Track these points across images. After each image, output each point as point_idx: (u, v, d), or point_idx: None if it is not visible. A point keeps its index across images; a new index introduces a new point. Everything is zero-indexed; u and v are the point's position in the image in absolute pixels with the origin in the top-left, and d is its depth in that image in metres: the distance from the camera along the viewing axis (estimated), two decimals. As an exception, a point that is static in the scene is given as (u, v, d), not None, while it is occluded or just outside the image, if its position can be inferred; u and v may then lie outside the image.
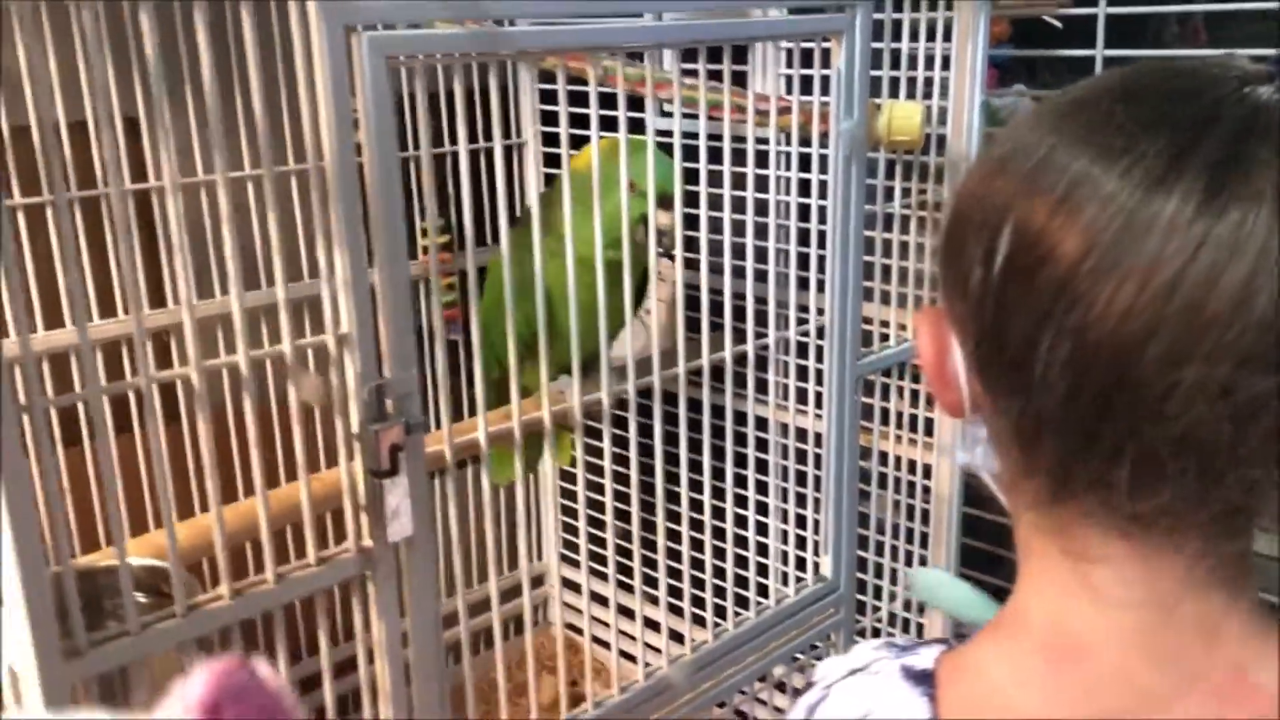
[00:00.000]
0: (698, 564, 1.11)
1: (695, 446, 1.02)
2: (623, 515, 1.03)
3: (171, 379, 0.65)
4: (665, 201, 1.07)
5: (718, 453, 1.04)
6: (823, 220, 1.03)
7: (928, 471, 1.23)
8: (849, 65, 0.95)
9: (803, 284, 1.05)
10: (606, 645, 1.52)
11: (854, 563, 1.11)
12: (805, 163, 1.10)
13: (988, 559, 1.41)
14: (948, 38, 1.11)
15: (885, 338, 1.12)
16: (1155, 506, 0.44)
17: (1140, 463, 0.43)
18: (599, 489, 1.18)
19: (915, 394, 1.20)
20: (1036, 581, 0.50)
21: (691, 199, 1.27)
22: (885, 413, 1.23)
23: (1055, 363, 0.43)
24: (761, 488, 1.34)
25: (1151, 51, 1.20)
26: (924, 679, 0.52)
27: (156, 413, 0.63)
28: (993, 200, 0.45)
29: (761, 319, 1.12)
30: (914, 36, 1.10)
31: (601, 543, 1.16)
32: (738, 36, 0.95)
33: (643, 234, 1.10)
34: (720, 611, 1.02)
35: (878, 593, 1.27)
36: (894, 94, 1.13)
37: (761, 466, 1.34)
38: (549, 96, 1.54)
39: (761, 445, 1.31)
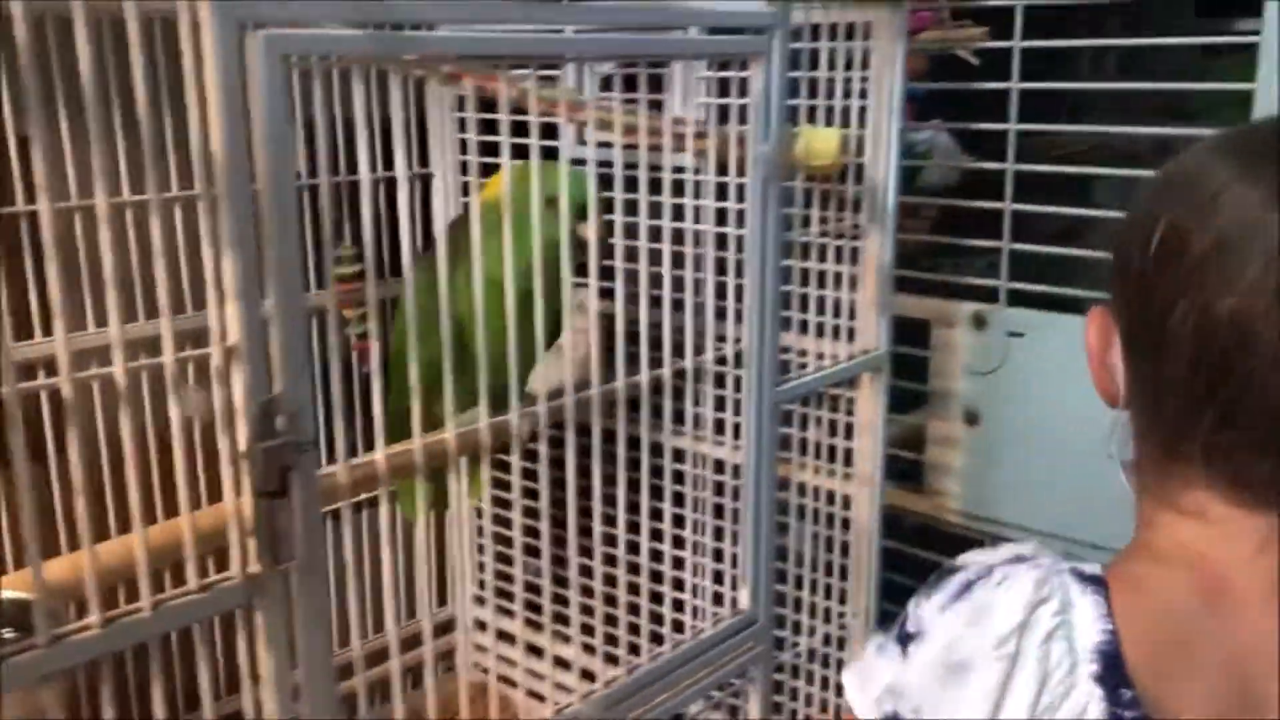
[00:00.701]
0: (613, 600, 1.08)
1: (613, 479, 1.00)
2: (538, 552, 1.00)
3: (38, 389, 0.61)
4: (584, 216, 1.05)
5: (637, 485, 1.02)
6: (741, 248, 1.03)
7: (847, 503, 1.22)
8: (766, 89, 0.94)
9: (721, 313, 1.03)
10: (524, 687, 1.48)
11: (772, 596, 1.08)
12: (723, 190, 1.09)
13: (908, 592, 1.40)
14: (866, 67, 1.11)
15: (803, 366, 1.11)
16: (1259, 473, 0.54)
17: (1246, 429, 0.53)
18: (519, 524, 1.14)
19: (833, 424, 1.19)
20: (1168, 530, 0.59)
21: (611, 227, 1.25)
22: (804, 443, 1.21)
23: (1185, 332, 0.54)
24: (680, 520, 1.31)
25: (1063, 85, 1.22)
26: (1095, 581, 0.58)
27: (19, 427, 0.58)
28: (1155, 204, 0.57)
29: (681, 349, 1.10)
30: (833, 65, 1.10)
31: (514, 580, 1.13)
32: (653, 52, 0.94)
33: (572, 245, 1.08)
34: (636, 649, 0.99)
35: (797, 627, 1.25)
36: (813, 122, 1.13)
37: (681, 499, 1.32)
38: (470, 126, 1.51)
39: (680, 477, 1.29)
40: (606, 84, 1.38)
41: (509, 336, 0.92)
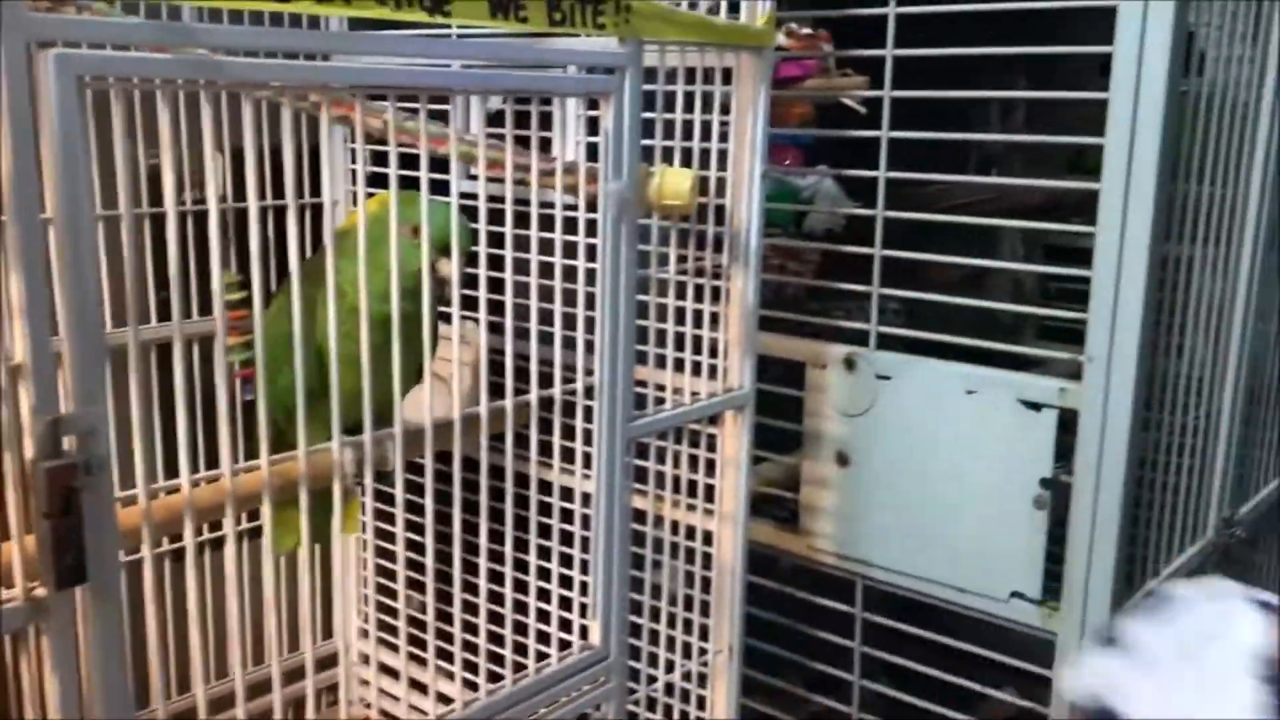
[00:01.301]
0: (476, 630, 1.08)
1: (478, 510, 1.00)
2: (421, 585, 1.00)
3: None
4: (448, 250, 1.06)
5: (502, 516, 1.03)
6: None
7: (709, 538, 1.22)
8: (617, 127, 0.95)
9: (590, 346, 1.04)
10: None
11: (625, 630, 1.08)
12: (593, 227, 1.10)
13: (768, 626, 1.41)
14: (727, 111, 1.13)
15: (661, 402, 1.12)
16: None
17: None
18: (389, 556, 1.13)
19: (694, 459, 1.20)
20: None
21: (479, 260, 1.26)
22: (674, 480, 1.22)
23: None
24: (546, 553, 1.31)
25: (931, 134, 1.25)
26: (1267, 606, 0.72)
27: None
28: None
29: (546, 380, 1.10)
30: (702, 108, 1.12)
31: (392, 613, 1.11)
32: (508, 88, 0.95)
33: (433, 280, 1.09)
34: (495, 679, 0.98)
35: (662, 663, 1.25)
36: (687, 163, 1.15)
37: (545, 531, 1.31)
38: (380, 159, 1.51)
39: (548, 509, 1.29)
40: (496, 119, 1.39)
41: (378, 363, 0.93)
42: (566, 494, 1.26)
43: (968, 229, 1.30)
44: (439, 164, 0.98)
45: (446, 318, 1.36)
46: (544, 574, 1.30)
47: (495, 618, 1.04)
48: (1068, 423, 1.16)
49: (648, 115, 1.03)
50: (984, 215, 1.50)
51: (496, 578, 1.10)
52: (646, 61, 1.06)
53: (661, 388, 1.17)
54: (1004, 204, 1.68)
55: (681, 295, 1.15)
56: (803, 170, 1.47)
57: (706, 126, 1.13)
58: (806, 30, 1.42)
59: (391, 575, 1.57)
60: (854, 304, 1.46)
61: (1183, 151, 1.16)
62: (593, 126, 1.18)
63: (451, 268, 1.07)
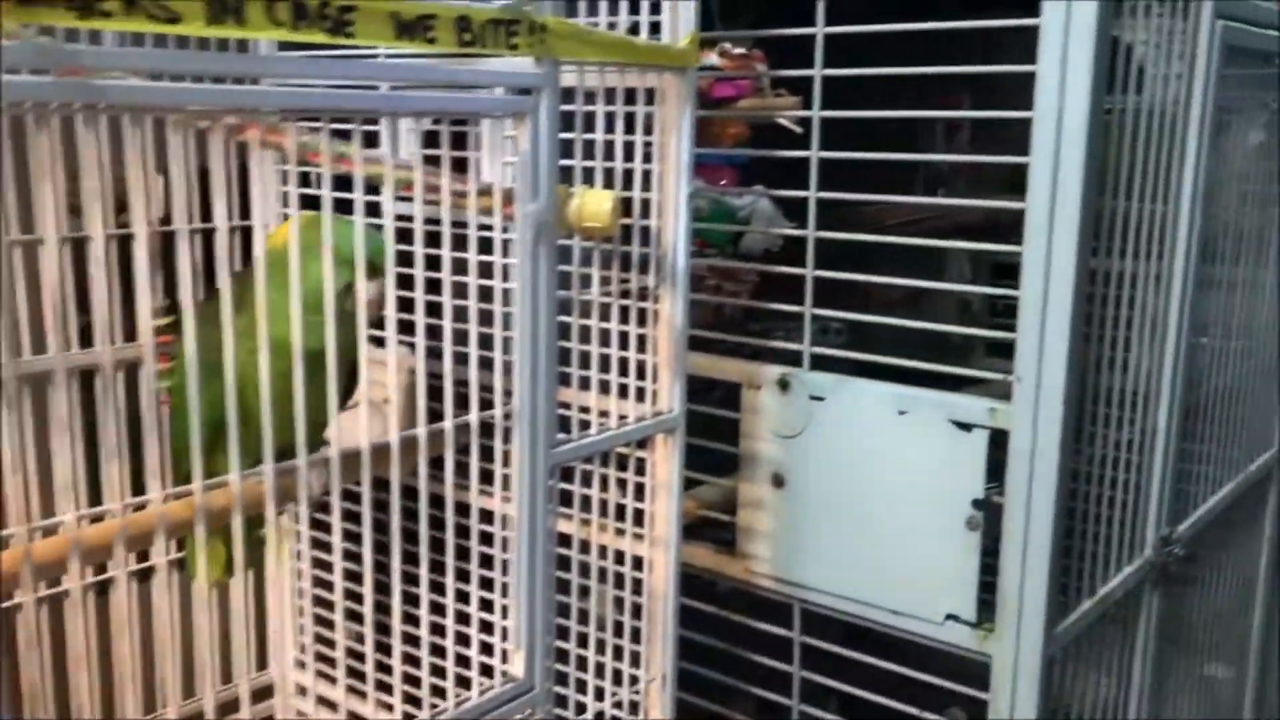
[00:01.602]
0: (417, 661, 1.05)
1: (415, 537, 0.99)
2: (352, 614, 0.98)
3: None
4: (374, 272, 1.04)
5: (434, 544, 1.01)
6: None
7: (641, 563, 1.20)
8: (533, 148, 0.94)
9: (502, 367, 1.02)
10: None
11: (551, 659, 1.06)
12: (506, 246, 1.09)
13: (707, 652, 1.39)
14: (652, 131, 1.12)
15: (586, 425, 1.10)
16: None
17: None
18: (326, 585, 1.10)
19: (623, 483, 1.18)
20: None
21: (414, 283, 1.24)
22: (604, 505, 1.20)
23: None
24: (475, 581, 1.29)
25: (861, 155, 1.24)
26: None
27: None
28: None
29: (483, 404, 1.09)
30: (628, 129, 1.11)
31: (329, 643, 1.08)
32: (402, 110, 0.94)
33: (351, 304, 1.07)
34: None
35: (597, 692, 1.22)
36: (611, 184, 1.13)
37: (480, 559, 1.29)
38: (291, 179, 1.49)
39: (489, 538, 1.27)
40: (432, 140, 1.37)
41: (297, 392, 0.91)
42: (493, 519, 1.24)
43: (915, 248, 1.30)
44: (375, 186, 0.97)
45: (380, 342, 1.34)
46: (479, 603, 1.28)
47: (433, 648, 1.02)
48: (1002, 443, 1.16)
49: (567, 136, 1.02)
50: (927, 234, 1.50)
51: (433, 608, 1.08)
52: (571, 82, 1.06)
53: (586, 409, 1.15)
54: (948, 222, 1.69)
55: (609, 317, 1.14)
56: (739, 190, 1.46)
57: (632, 147, 1.12)
58: (740, 50, 1.42)
59: (327, 604, 1.54)
60: (795, 324, 1.45)
61: (1111, 167, 1.16)
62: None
63: (372, 290, 1.05)
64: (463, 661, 1.13)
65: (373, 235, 1.05)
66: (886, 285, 1.29)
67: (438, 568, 1.03)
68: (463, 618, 1.16)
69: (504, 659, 1.06)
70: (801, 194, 1.27)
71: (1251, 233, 1.64)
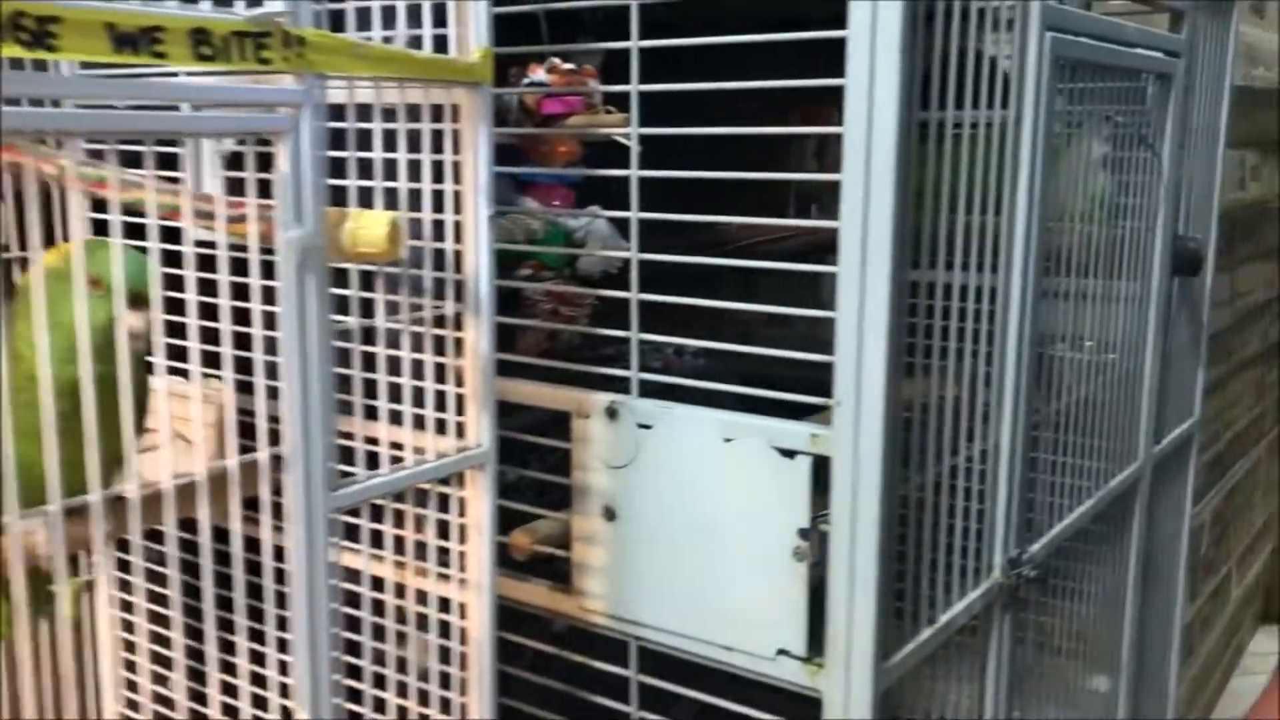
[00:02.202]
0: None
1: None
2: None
3: None
4: (139, 301, 0.96)
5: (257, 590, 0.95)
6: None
7: (455, 607, 1.14)
8: (295, 169, 0.87)
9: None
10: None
11: (340, 708, 0.99)
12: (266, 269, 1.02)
13: (543, 692, 1.33)
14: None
15: (396, 460, 1.03)
16: None
17: None
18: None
19: (441, 523, 1.11)
20: None
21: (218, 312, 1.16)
22: (415, 545, 1.13)
23: None
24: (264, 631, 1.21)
25: (679, 173, 1.19)
26: None
27: None
28: None
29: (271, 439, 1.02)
30: (411, 147, 1.05)
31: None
32: (164, 130, 0.87)
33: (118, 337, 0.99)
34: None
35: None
36: (413, 205, 1.07)
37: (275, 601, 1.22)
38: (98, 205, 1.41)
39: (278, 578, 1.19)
40: (234, 162, 1.30)
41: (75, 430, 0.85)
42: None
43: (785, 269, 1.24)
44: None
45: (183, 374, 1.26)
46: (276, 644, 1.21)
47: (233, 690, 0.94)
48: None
49: (368, 155, 0.96)
50: (794, 253, 1.46)
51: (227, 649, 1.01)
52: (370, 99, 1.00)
53: (405, 446, 1.09)
54: (812, 241, 1.66)
55: (416, 347, 1.07)
56: (573, 211, 1.41)
57: (438, 167, 1.05)
58: (569, 66, 1.37)
59: (151, 653, 1.46)
60: (645, 349, 1.40)
61: (933, 180, 1.13)
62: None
63: (137, 320, 0.98)
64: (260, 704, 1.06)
65: (137, 261, 0.97)
66: (723, 308, 1.24)
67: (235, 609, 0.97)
68: (259, 659, 1.09)
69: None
70: (624, 214, 1.22)
71: (1105, 244, 1.63)
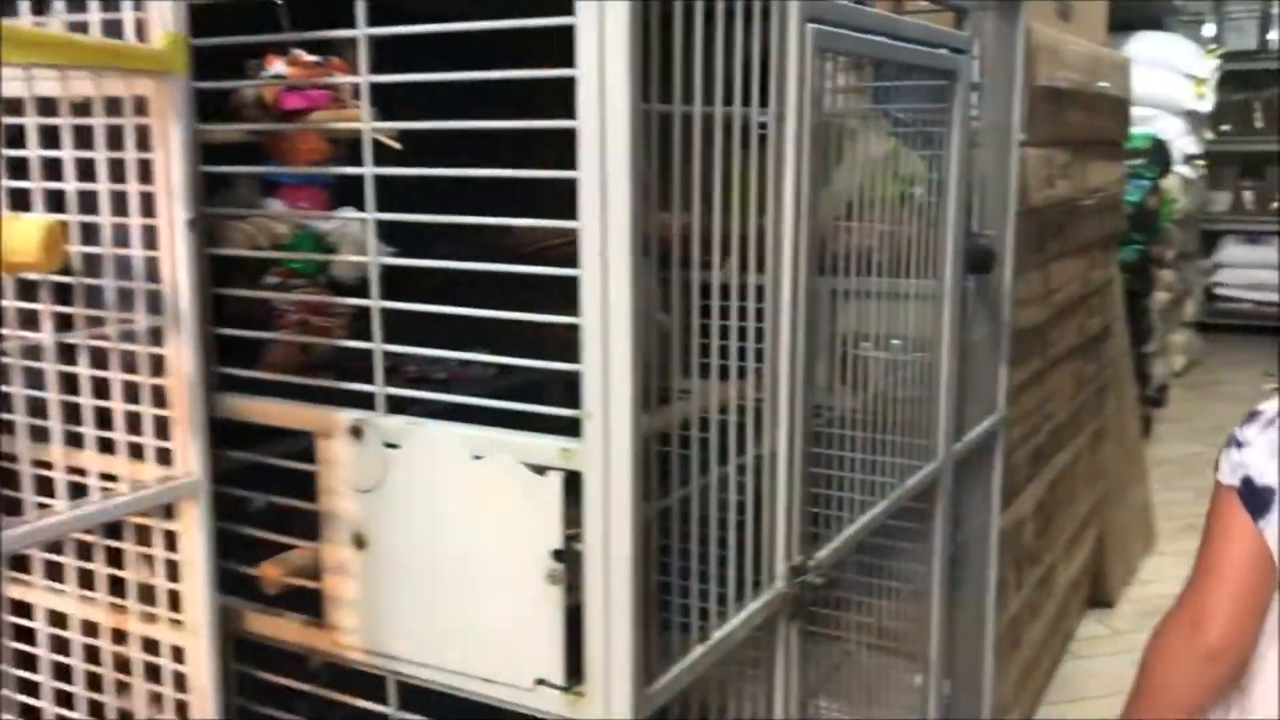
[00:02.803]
0: None
1: None
2: None
3: None
4: None
5: None
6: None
7: (179, 654, 1.03)
8: (-82, 169, 0.76)
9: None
10: None
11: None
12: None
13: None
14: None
15: (92, 490, 0.92)
16: None
17: None
18: None
19: (151, 559, 1.01)
20: None
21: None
22: (127, 584, 1.02)
23: None
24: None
25: (431, 170, 1.11)
26: None
27: None
28: None
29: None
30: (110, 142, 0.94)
31: None
32: None
33: None
34: None
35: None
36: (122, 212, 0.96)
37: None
38: None
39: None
40: None
41: None
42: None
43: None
44: None
45: None
46: None
47: None
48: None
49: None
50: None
51: None
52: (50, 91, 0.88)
53: (111, 476, 0.97)
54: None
55: (104, 365, 0.96)
56: (325, 214, 1.31)
57: (117, 166, 0.95)
58: (314, 59, 1.27)
59: None
60: (399, 360, 1.31)
61: (679, 177, 1.08)
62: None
63: None
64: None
65: None
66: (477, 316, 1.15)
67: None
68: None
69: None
70: (360, 215, 1.13)
71: (895, 243, 1.61)
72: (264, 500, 1.24)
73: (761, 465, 1.26)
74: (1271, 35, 7.23)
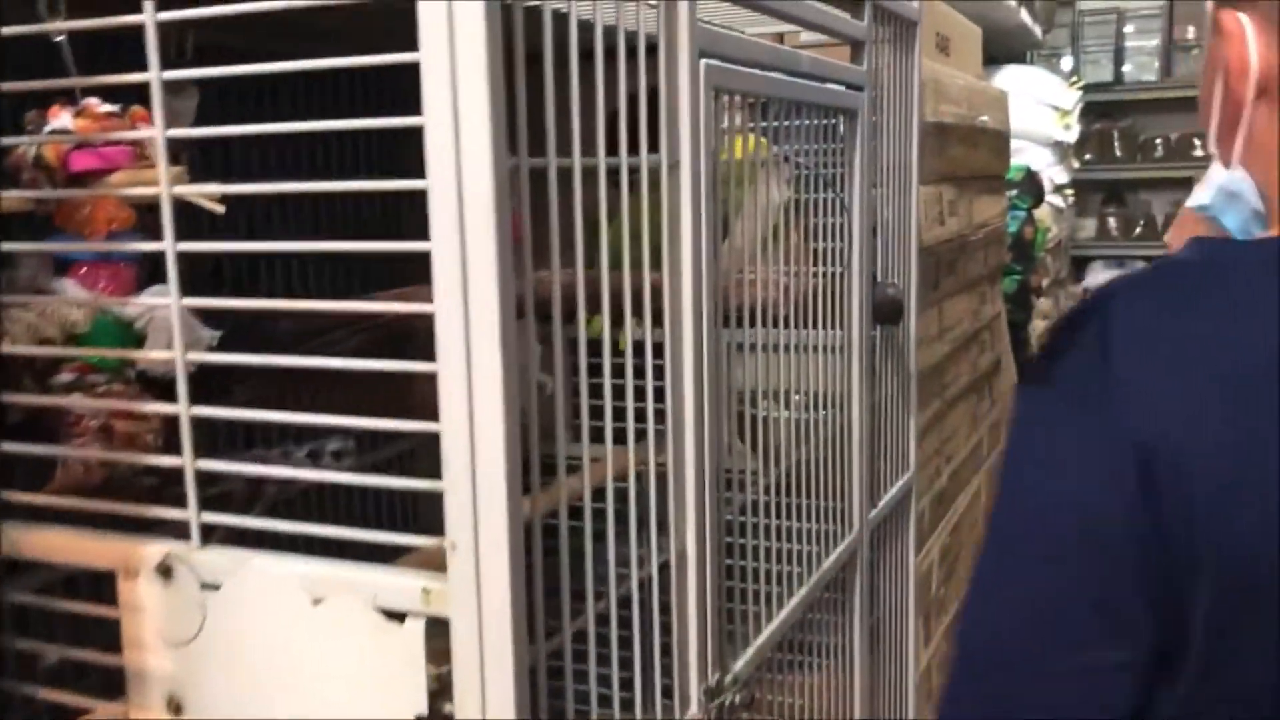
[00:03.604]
0: None
1: None
2: None
3: None
4: None
5: None
6: None
7: None
8: None
9: None
10: None
11: None
12: None
13: None
14: None
15: None
16: None
17: None
18: None
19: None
20: None
21: None
22: None
23: None
24: None
25: (244, 245, 0.90)
26: None
27: None
28: None
29: None
30: None
31: None
32: None
33: None
34: None
35: None
36: None
37: None
38: None
39: None
40: None
41: None
42: None
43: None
44: None
45: None
46: None
47: None
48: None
49: None
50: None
51: None
52: None
53: None
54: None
55: None
56: (124, 299, 1.08)
57: None
58: (109, 108, 1.04)
59: None
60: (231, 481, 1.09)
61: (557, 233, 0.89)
62: None
63: None
64: None
65: None
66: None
67: None
68: None
69: None
70: (163, 301, 0.91)
71: (808, 293, 1.46)
72: (59, 654, 1.00)
73: (669, 577, 1.07)
74: (1126, 68, 7.48)
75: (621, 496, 1.00)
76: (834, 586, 1.63)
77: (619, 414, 1.00)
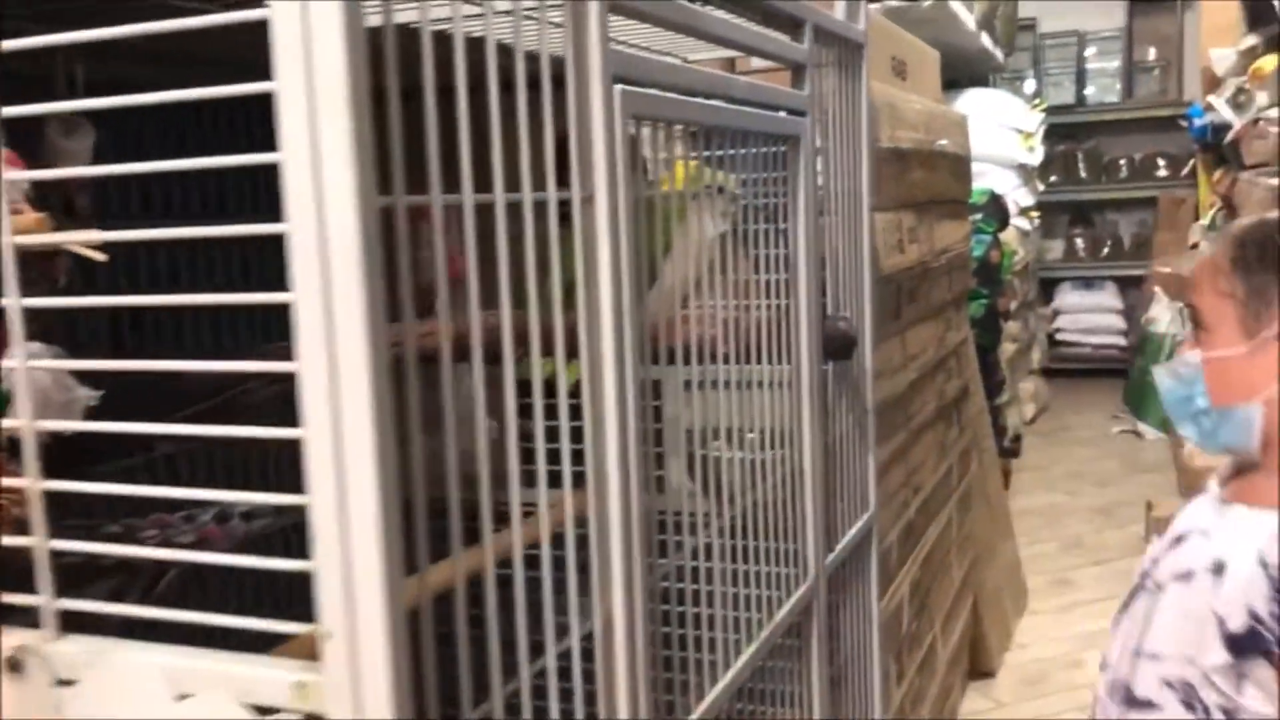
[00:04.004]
0: None
1: None
2: None
3: None
4: None
5: None
6: None
7: None
8: None
9: None
10: None
11: None
12: None
13: None
14: None
15: None
16: None
17: None
18: None
19: None
20: None
21: None
22: None
23: None
24: None
25: (76, 300, 0.81)
26: None
27: None
28: None
29: None
30: None
31: None
32: None
33: None
34: None
35: None
36: None
37: None
38: None
39: None
40: None
41: None
42: None
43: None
44: None
45: None
46: None
47: None
48: None
49: None
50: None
51: None
52: None
53: None
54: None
55: None
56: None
57: None
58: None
59: None
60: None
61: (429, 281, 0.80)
62: None
63: None
64: None
65: None
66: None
67: None
68: None
69: None
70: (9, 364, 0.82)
71: (750, 329, 1.38)
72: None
73: (596, 641, 0.98)
74: (1088, 90, 7.51)
75: (534, 563, 0.91)
76: (792, 632, 1.55)
77: (529, 469, 0.91)
